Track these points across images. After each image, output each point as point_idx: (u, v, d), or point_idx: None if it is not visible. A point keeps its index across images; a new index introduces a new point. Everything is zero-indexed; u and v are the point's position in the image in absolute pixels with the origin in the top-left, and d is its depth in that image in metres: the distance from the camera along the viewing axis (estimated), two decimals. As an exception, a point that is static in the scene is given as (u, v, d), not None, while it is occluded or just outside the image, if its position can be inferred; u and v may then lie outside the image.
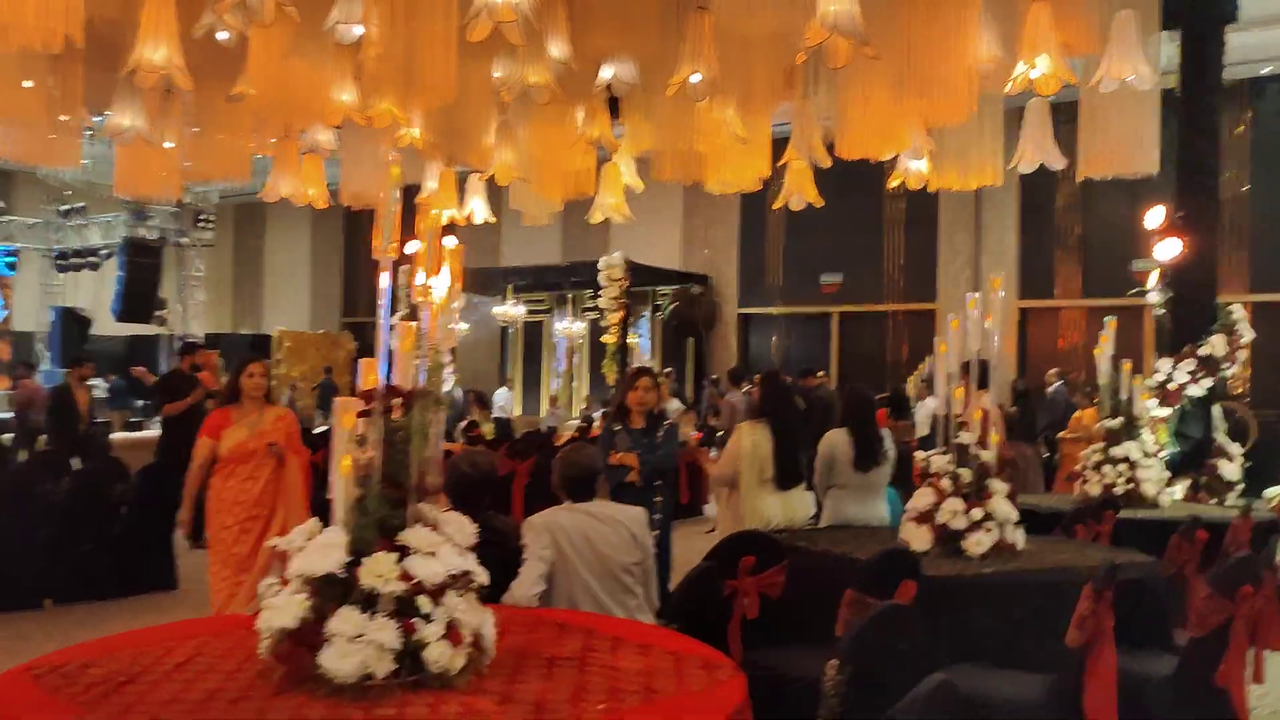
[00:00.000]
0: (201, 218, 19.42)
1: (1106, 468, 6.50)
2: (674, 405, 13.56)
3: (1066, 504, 6.35)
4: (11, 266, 20.21)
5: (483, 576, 2.44)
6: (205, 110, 8.63)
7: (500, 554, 3.44)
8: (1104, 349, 6.88)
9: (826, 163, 8.29)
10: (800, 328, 17.99)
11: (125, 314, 18.12)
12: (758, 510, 5.30)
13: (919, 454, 4.70)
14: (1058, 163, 7.49)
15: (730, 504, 5.47)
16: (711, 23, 6.51)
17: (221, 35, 6.70)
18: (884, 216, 16.78)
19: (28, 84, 7.41)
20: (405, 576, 2.26)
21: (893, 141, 7.32)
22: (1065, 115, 7.74)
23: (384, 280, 2.27)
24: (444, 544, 2.37)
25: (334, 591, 2.26)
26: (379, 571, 2.24)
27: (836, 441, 5.48)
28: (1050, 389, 12.80)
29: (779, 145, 8.70)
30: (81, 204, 19.09)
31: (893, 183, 8.98)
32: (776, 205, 9.39)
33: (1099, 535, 5.35)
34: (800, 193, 9.12)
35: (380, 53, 6.36)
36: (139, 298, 18.00)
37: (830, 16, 5.60)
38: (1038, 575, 4.19)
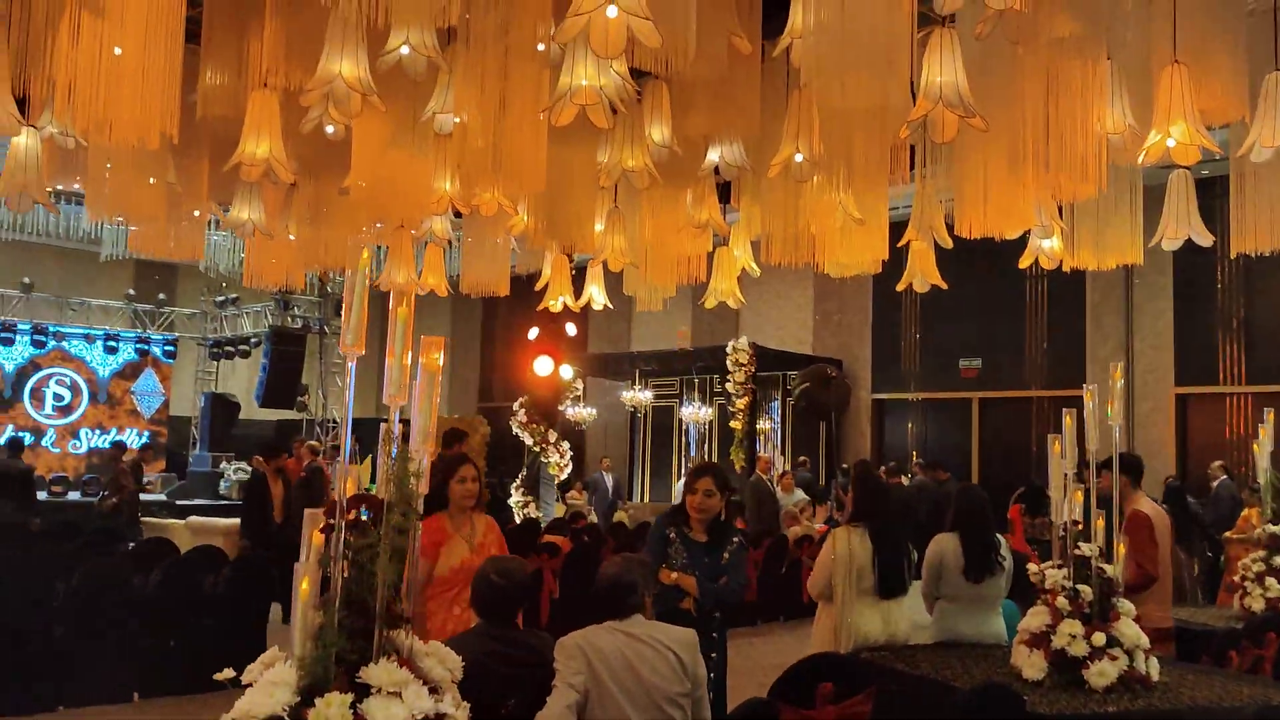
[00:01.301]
0: (343, 307, 20.08)
1: (1270, 580, 5.69)
2: (797, 496, 13.02)
3: (1224, 620, 5.59)
4: (170, 355, 21.36)
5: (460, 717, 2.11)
6: (323, 202, 8.85)
7: (540, 677, 3.12)
8: (1264, 442, 6.11)
9: (948, 243, 7.84)
10: (938, 414, 17.17)
11: (268, 400, 18.79)
12: (855, 625, 4.78)
13: (1031, 567, 4.15)
14: (1204, 239, 6.83)
15: (825, 617, 4.97)
16: (811, 101, 6.24)
17: (329, 129, 6.83)
18: (1025, 298, 15.95)
19: (153, 181, 7.73)
20: (361, 720, 1.96)
21: (1016, 219, 6.81)
22: (1222, 189, 7.09)
23: (350, 381, 2.01)
24: (411, 682, 2.06)
25: (281, 735, 1.97)
26: (327, 715, 1.95)
27: (946, 548, 4.95)
28: (1215, 483, 11.69)
29: (902, 226, 8.31)
30: (235, 295, 20.06)
31: (1024, 262, 8.43)
32: (900, 287, 8.96)
33: (1259, 663, 4.62)
34: (923, 274, 8.67)
35: (474, 141, 6.36)
36: (282, 384, 18.65)
37: (935, 88, 5.24)
38: (1173, 716, 3.57)
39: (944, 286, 8.65)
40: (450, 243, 10.50)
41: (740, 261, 9.63)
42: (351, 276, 2.02)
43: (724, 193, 9.02)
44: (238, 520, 12.29)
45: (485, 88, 6.13)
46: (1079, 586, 3.95)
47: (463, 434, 10.39)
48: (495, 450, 17.87)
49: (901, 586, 4.88)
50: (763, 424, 17.61)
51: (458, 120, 6.48)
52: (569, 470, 14.78)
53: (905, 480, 12.91)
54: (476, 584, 3.24)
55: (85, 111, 5.48)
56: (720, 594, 4.46)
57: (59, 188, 9.97)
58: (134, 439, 20.72)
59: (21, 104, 6.56)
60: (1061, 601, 3.94)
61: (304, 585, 2.06)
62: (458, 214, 9.18)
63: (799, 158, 6.59)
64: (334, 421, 20.44)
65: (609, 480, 16.76)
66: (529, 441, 14.35)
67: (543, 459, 14.36)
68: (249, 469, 18.16)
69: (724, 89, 6.73)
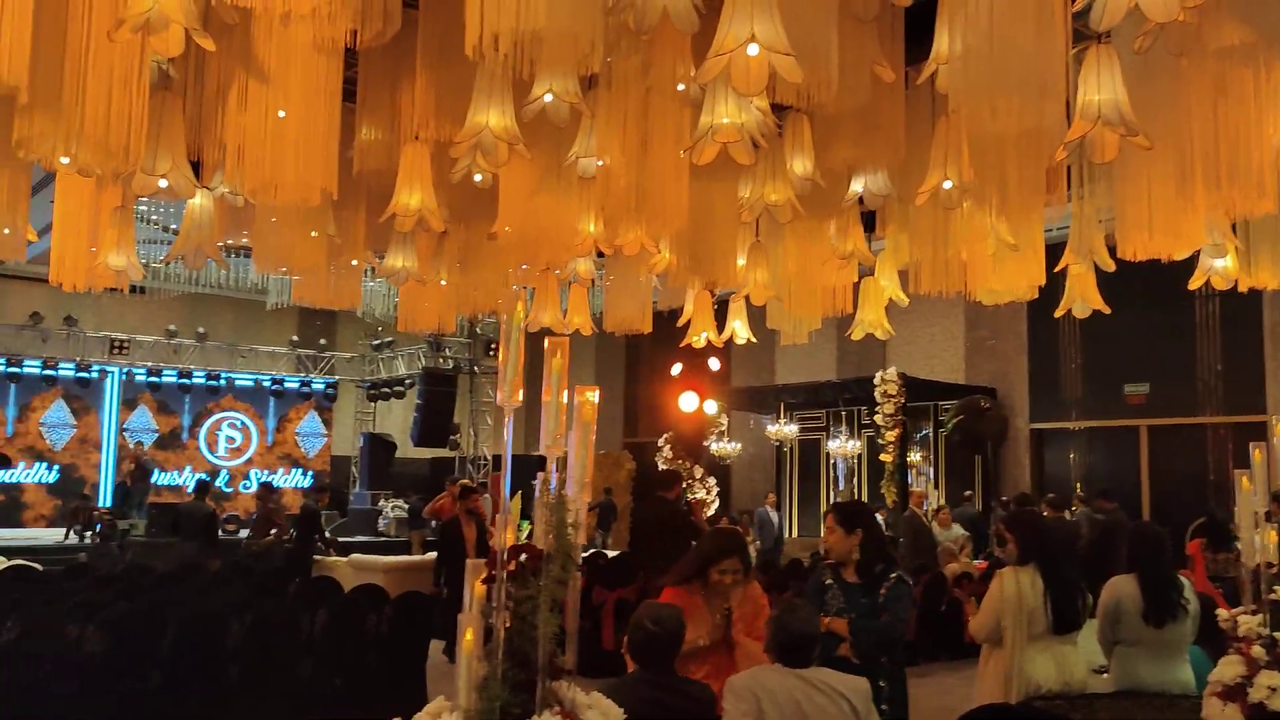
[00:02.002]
0: (492, 347, 20.64)
1: None
2: (955, 532, 12.57)
3: None
4: (331, 398, 22.36)
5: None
6: (472, 248, 9.11)
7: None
8: None
9: (1110, 266, 7.49)
10: (1102, 443, 16.33)
11: (423, 439, 19.42)
12: (1026, 671, 4.54)
13: (1221, 612, 3.85)
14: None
15: (994, 663, 4.73)
16: (959, 125, 6.08)
17: (477, 178, 7.04)
18: (1195, 319, 15.05)
19: (314, 234, 8.11)
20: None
21: (1184, 239, 6.44)
22: None
23: (507, 431, 2.03)
24: (575, 736, 2.04)
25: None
26: (493, 769, 1.95)
27: (1123, 590, 4.66)
28: None
29: (1059, 249, 7.98)
30: (390, 339, 20.87)
31: (1195, 283, 7.98)
32: (1059, 313, 8.60)
33: None
34: (1084, 299, 8.30)
35: (617, 183, 6.44)
36: (435, 423, 19.25)
37: (1094, 107, 5.03)
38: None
39: (1106, 311, 8.25)
40: (593, 282, 10.67)
41: (887, 291, 9.43)
42: (506, 326, 2.03)
43: (868, 222, 8.86)
44: (397, 558, 12.70)
45: (627, 130, 6.20)
46: (1276, 634, 3.64)
47: (679, 476, 10.44)
48: (640, 486, 17.96)
49: (1076, 623, 4.61)
50: (914, 456, 17.12)
51: (600, 163, 6.58)
52: (715, 505, 14.69)
53: (1069, 514, 12.31)
54: (632, 631, 3.22)
55: (253, 173, 5.80)
56: (876, 632, 4.28)
57: (229, 243, 10.58)
58: (299, 479, 21.73)
59: (195, 167, 6.99)
60: (1258, 650, 3.64)
61: (468, 636, 2.07)
62: (600, 254, 9.31)
63: (948, 184, 6.42)
64: (484, 459, 20.95)
65: (774, 516, 16.53)
66: (659, 477, 14.32)
67: (689, 495, 14.32)
68: (405, 506, 18.80)
69: (867, 118, 6.62)
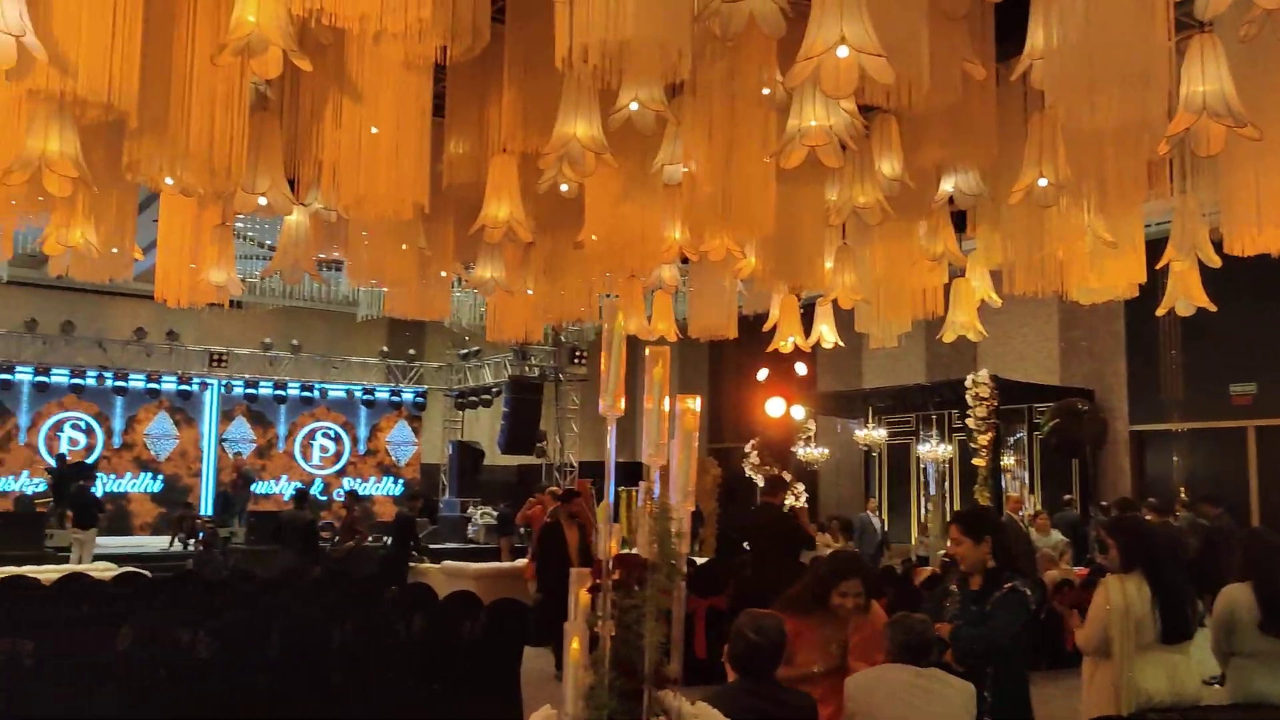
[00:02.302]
0: (577, 355, 20.79)
1: None
2: (1054, 538, 12.24)
3: None
4: (420, 406, 22.78)
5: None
6: (558, 258, 9.19)
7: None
8: None
9: (1215, 262, 7.23)
10: (1207, 445, 15.73)
11: (509, 446, 19.64)
12: (1137, 683, 4.39)
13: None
14: None
15: (1101, 674, 4.59)
16: (1055, 121, 5.93)
17: (563, 188, 7.11)
18: (1306, 314, 14.45)
19: (405, 247, 8.28)
20: (635, 784, 1.95)
21: (1296, 232, 6.18)
22: None
23: (610, 440, 2.03)
24: (682, 746, 2.03)
25: (555, 796, 1.99)
26: (603, 778, 1.95)
27: (1237, 600, 4.48)
28: None
29: (1160, 245, 7.73)
30: (477, 348, 21.18)
31: (1305, 278, 7.65)
32: (1161, 311, 8.32)
33: None
34: (1187, 296, 8.01)
35: (703, 189, 6.43)
36: (522, 431, 19.45)
37: (1198, 99, 4.86)
38: None
39: (1212, 308, 7.96)
40: (677, 288, 10.68)
41: (979, 292, 9.24)
42: (608, 335, 2.04)
43: (959, 222, 8.71)
44: (488, 564, 12.85)
45: (712, 136, 6.19)
46: None
47: (785, 482, 10.34)
48: (727, 492, 17.87)
49: (1186, 632, 4.45)
50: (1007, 461, 16.72)
51: (686, 169, 6.58)
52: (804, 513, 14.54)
53: (1173, 519, 11.89)
54: (733, 640, 3.20)
55: (348, 188, 5.94)
56: (976, 640, 4.19)
57: (321, 257, 10.85)
58: (391, 487, 22.18)
59: (290, 184, 7.18)
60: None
61: (574, 645, 2.09)
62: (685, 260, 9.31)
63: (1043, 182, 6.27)
64: (570, 466, 21.09)
65: (876, 522, 16.30)
66: (762, 483, 14.22)
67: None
68: (494, 513, 19.03)
69: (957, 117, 6.50)
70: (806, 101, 5.18)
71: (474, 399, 21.66)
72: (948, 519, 17.97)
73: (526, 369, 20.17)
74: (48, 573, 8.58)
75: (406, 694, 6.27)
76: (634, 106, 5.75)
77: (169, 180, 5.98)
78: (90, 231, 6.77)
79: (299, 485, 18.77)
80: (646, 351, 2.19)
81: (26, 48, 4.12)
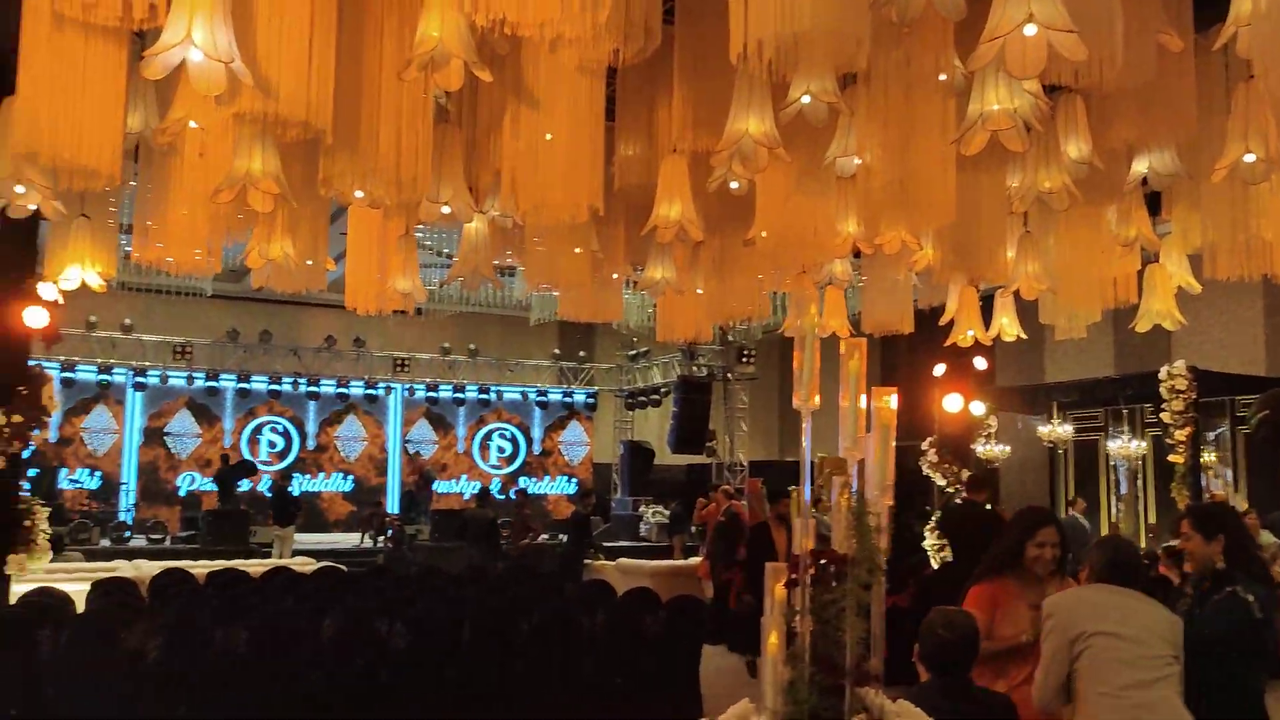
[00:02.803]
0: (745, 354, 20.72)
1: None
2: (1265, 539, 11.38)
3: None
4: (591, 407, 23.21)
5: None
6: (727, 256, 9.16)
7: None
8: None
9: None
10: None
11: (679, 445, 19.75)
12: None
13: None
14: None
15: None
16: (1262, 91, 5.51)
17: (733, 185, 7.09)
18: None
19: (578, 250, 8.43)
20: (838, 783, 1.92)
21: None
22: None
23: (805, 439, 2.01)
24: (887, 744, 1.99)
25: (758, 791, 1.98)
26: (806, 775, 1.93)
27: None
28: None
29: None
30: (646, 349, 21.42)
31: None
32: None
33: None
34: None
35: (878, 180, 6.29)
36: (691, 430, 19.53)
37: None
38: None
39: None
40: (850, 283, 10.48)
41: (1176, 278, 8.68)
42: (802, 332, 2.02)
43: (1152, 205, 8.21)
44: (663, 562, 12.96)
45: (888, 125, 6.05)
46: None
47: (987, 479, 10.10)
48: (901, 490, 17.44)
49: None
50: (1208, 457, 15.66)
51: (859, 161, 6.46)
52: (987, 512, 14.02)
53: None
54: (923, 638, 3.11)
55: (525, 195, 6.10)
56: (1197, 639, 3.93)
57: (495, 263, 11.17)
58: (565, 487, 22.70)
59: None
60: None
61: (772, 639, 2.07)
62: (857, 254, 9.13)
63: (1250, 158, 5.83)
64: (740, 465, 21.02)
65: (1086, 523, 15.57)
66: (941, 482, 13.80)
67: (956, 500, 13.75)
68: (666, 512, 19.19)
69: (1151, 93, 6.12)
70: (988, 84, 5.00)
71: (643, 399, 21.91)
72: (1145, 519, 17.01)
73: (695, 369, 20.25)
74: (253, 566, 9.17)
75: (588, 686, 6.39)
76: (806, 99, 5.67)
77: (359, 193, 6.29)
78: (288, 245, 7.19)
79: (478, 485, 19.47)
80: (842, 347, 2.15)
81: (235, 73, 4.42)
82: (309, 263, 7.94)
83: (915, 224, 6.88)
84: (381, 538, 17.19)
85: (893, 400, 2.07)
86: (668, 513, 18.86)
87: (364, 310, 8.53)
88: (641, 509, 20.41)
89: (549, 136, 6.14)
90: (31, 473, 17.06)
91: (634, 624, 6.62)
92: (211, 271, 8.15)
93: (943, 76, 5.74)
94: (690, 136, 6.78)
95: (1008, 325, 9.80)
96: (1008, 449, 17.61)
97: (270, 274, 7.83)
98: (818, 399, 2.08)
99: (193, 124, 5.78)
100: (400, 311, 9.04)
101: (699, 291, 10.01)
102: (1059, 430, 17.03)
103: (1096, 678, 3.17)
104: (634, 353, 22.07)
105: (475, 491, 18.83)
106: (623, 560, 12.86)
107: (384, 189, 5.86)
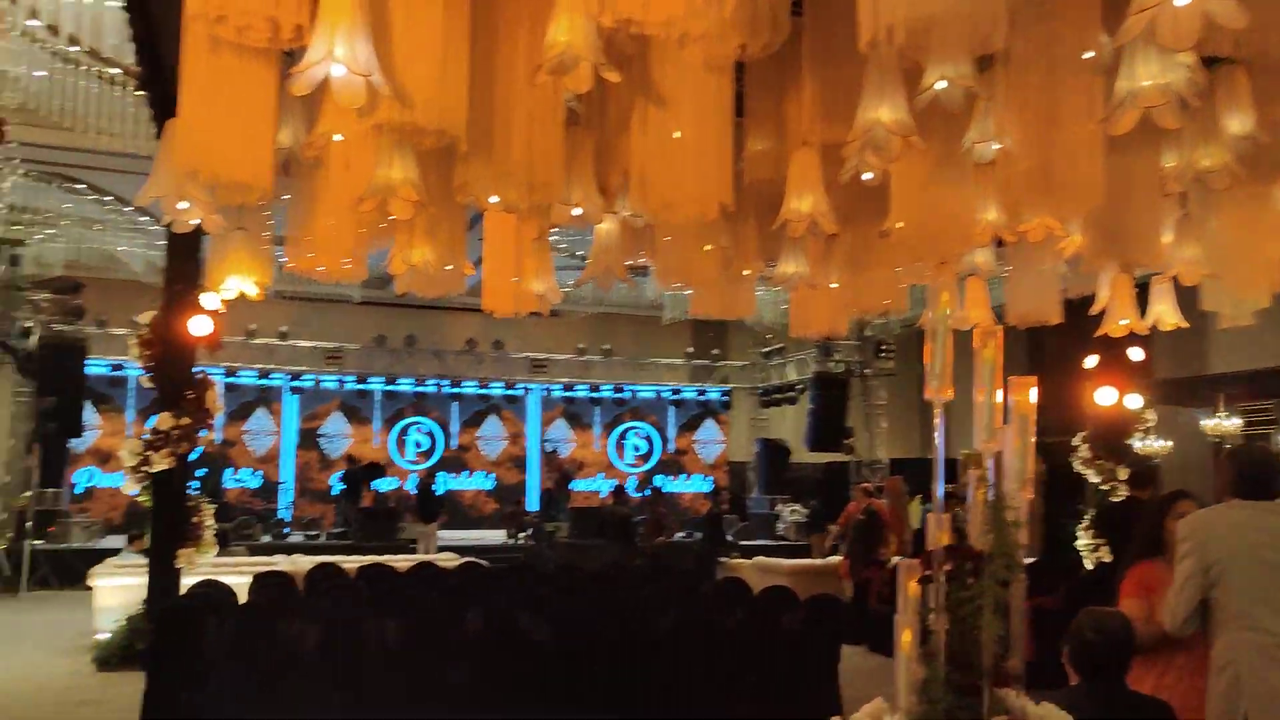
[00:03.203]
0: (883, 348, 20.31)
1: None
2: None
3: None
4: (726, 405, 23.15)
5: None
6: (862, 249, 8.98)
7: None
8: None
9: None
10: None
11: (816, 443, 19.48)
12: None
13: None
14: None
15: None
16: None
17: (866, 176, 6.95)
18: None
19: (708, 248, 8.41)
20: (977, 787, 1.86)
21: None
22: None
23: (937, 434, 1.95)
24: (1030, 749, 1.91)
25: (896, 793, 1.93)
26: (944, 777, 1.87)
27: None
28: None
29: None
30: (781, 345, 21.23)
31: None
32: None
33: None
34: None
35: (1019, 165, 6.07)
36: (828, 427, 19.24)
37: None
38: None
39: None
40: (993, 273, 10.14)
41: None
42: (933, 322, 1.96)
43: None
44: (801, 561, 12.82)
45: (1028, 107, 5.83)
46: None
47: (1152, 474, 9.73)
48: (1051, 488, 16.76)
49: None
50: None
51: (999, 146, 6.24)
52: (1145, 510, 13.34)
53: None
54: (1072, 640, 2.98)
55: (654, 194, 6.12)
56: None
57: (628, 262, 11.24)
58: (699, 485, 22.72)
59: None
60: None
61: (905, 637, 2.02)
62: (1000, 243, 8.83)
63: None
64: (880, 463, 20.61)
65: None
66: (1095, 479, 13.20)
67: (1111, 498, 13.14)
68: (804, 510, 18.98)
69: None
70: (1138, 59, 4.75)
71: (778, 396, 21.73)
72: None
73: (831, 365, 19.94)
74: (400, 562, 9.50)
75: (725, 684, 6.38)
76: (941, 85, 5.51)
77: (493, 199, 6.44)
78: (428, 251, 7.41)
79: (614, 483, 19.69)
80: (971, 339, 2.07)
81: (373, 86, 4.58)
82: (448, 268, 8.17)
83: (1060, 210, 6.60)
84: (522, 535, 17.57)
85: (1032, 391, 1.99)
86: (806, 511, 18.65)
87: (500, 313, 8.72)
88: (778, 507, 20.25)
89: (677, 134, 6.14)
90: (200, 472, 18.26)
91: (771, 622, 6.57)
92: (358, 278, 8.47)
93: (1088, 54, 5.50)
94: (821, 128, 6.69)
95: (1166, 313, 9.32)
96: (1169, 444, 16.75)
97: (412, 280, 8.10)
98: (951, 392, 2.02)
99: (337, 137, 6.01)
100: (536, 313, 9.22)
101: (833, 286, 9.86)
102: (1225, 424, 16.09)
103: (1233, 609, 3.01)
104: (768, 350, 21.91)
105: (610, 489, 19.07)
106: (760, 559, 12.78)
107: (517, 193, 5.98)
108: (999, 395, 2.02)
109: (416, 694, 6.12)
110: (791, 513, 19.94)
